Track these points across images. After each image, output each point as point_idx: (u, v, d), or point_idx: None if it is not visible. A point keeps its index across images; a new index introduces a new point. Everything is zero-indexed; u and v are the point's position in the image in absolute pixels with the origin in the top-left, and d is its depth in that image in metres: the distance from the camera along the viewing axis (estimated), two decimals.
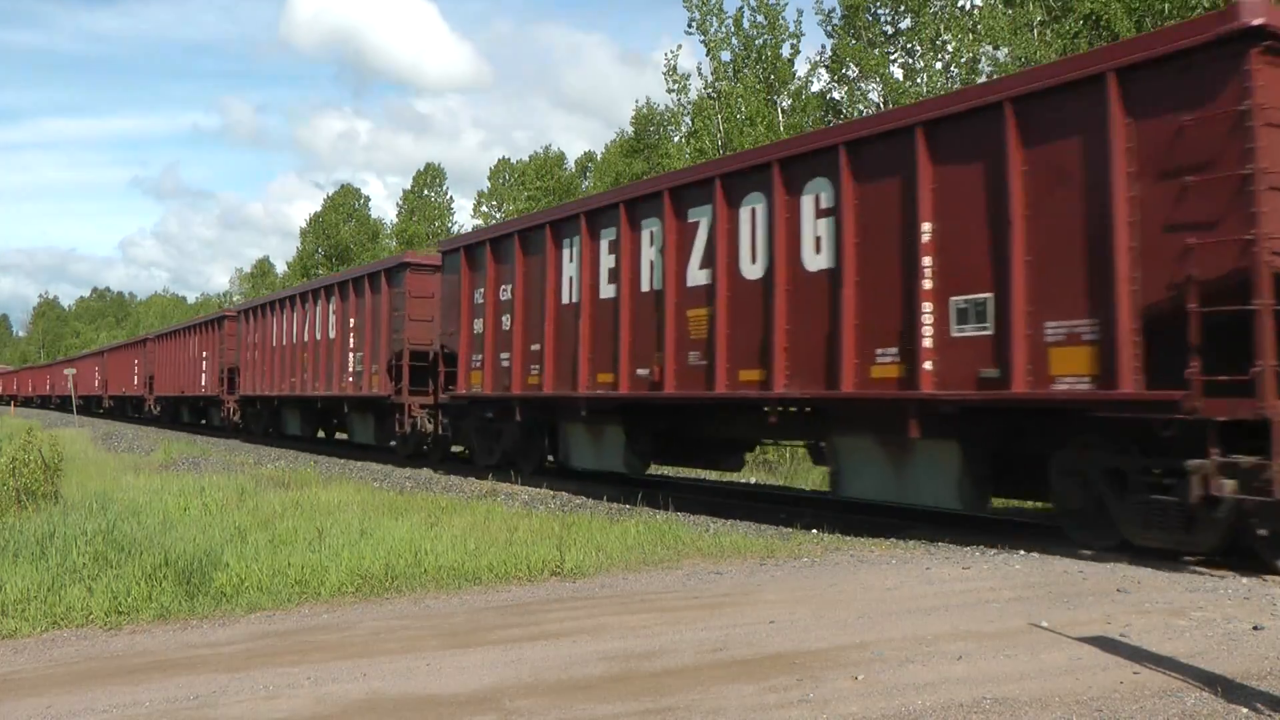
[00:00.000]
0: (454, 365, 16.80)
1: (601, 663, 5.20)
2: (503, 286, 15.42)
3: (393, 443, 20.16)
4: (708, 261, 11.40)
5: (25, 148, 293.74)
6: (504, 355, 15.23)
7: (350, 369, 20.74)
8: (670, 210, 11.97)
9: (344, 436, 24.98)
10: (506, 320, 15.22)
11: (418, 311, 18.55)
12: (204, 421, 35.86)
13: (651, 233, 12.35)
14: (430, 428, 18.33)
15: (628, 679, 4.89)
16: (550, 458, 15.76)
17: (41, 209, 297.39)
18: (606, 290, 13.07)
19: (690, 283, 11.64)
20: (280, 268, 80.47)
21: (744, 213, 11.00)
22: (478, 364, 15.93)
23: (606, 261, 13.10)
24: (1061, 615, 5.79)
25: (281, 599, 7.33)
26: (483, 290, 15.94)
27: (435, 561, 8.13)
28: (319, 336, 22.57)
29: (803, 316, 10.23)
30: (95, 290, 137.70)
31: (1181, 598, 6.21)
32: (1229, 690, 4.31)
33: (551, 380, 14.00)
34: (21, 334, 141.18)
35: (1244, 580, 6.81)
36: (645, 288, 12.42)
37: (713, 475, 16.75)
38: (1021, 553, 8.26)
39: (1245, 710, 4.08)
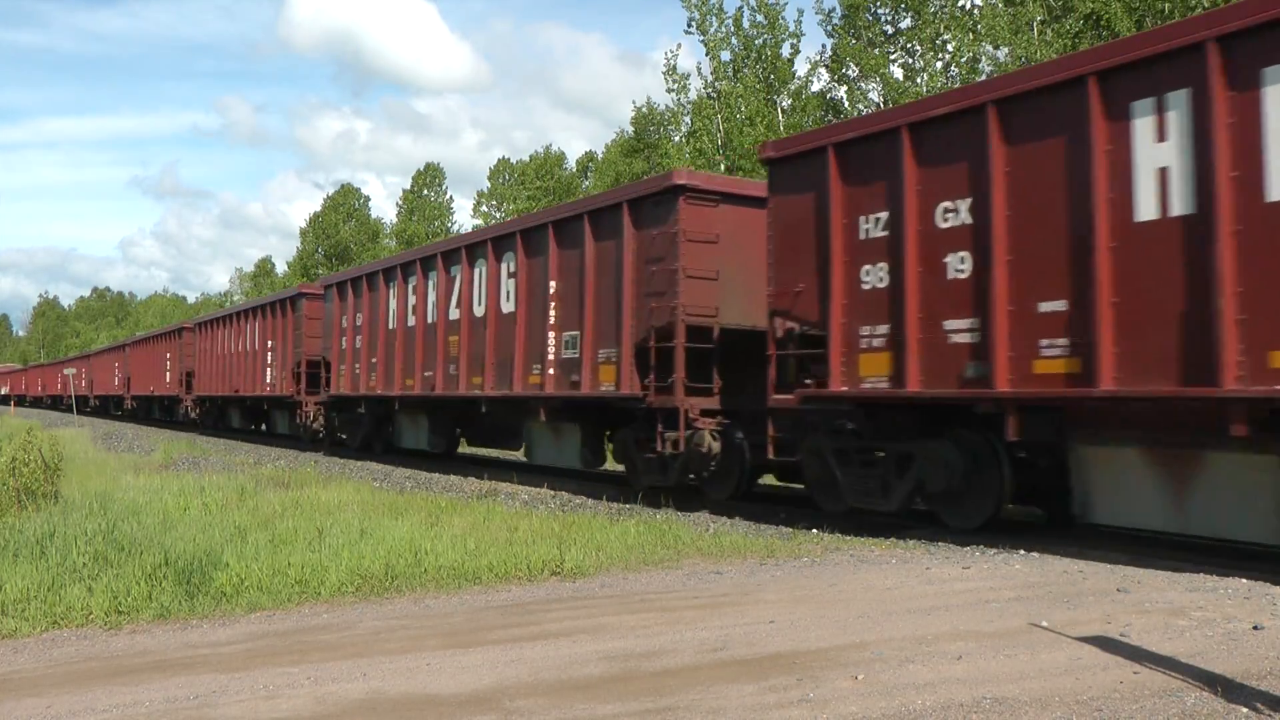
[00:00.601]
0: (793, 346, 10.93)
1: (601, 662, 5.20)
2: (947, 205, 9.25)
3: (603, 466, 14.87)
4: None
5: (25, 148, 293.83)
6: (954, 325, 9.17)
7: (549, 356, 14.30)
8: None
9: (495, 454, 20.02)
10: (960, 262, 9.12)
11: (695, 264, 12.27)
12: (257, 428, 29.72)
13: None
14: (715, 446, 12.26)
15: (628, 679, 4.89)
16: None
17: (41, 209, 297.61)
18: None
19: None
20: (281, 268, 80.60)
21: None
22: (875, 340, 9.96)
23: None
24: (1061, 615, 5.80)
25: (281, 599, 7.34)
26: (884, 215, 9.83)
27: (435, 561, 8.14)
28: (479, 311, 16.15)
29: None
30: (95, 290, 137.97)
31: (1182, 597, 6.22)
32: (1229, 690, 4.31)
33: (1128, 366, 7.82)
34: (21, 334, 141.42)
35: (1244, 580, 6.82)
36: None
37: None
38: (1021, 553, 8.27)
39: (1245, 710, 4.08)
